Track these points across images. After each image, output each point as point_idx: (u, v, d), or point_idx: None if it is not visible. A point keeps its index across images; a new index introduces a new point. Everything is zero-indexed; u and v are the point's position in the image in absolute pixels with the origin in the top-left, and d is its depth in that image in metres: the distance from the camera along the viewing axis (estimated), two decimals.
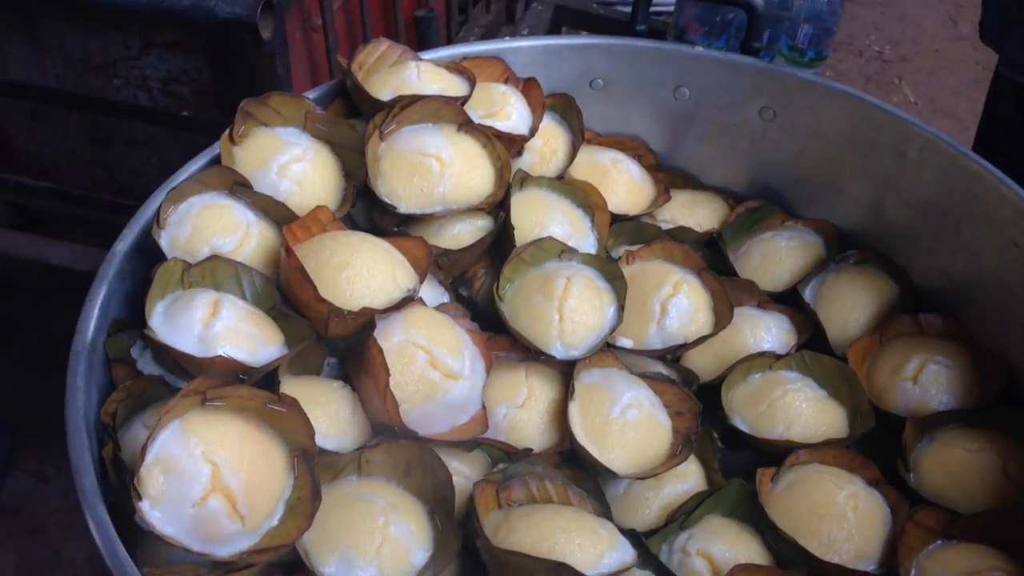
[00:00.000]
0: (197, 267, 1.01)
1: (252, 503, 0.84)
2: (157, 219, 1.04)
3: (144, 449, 0.83)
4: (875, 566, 1.01)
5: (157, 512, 0.83)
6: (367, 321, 1.01)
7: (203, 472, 0.83)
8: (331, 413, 0.98)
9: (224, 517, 0.82)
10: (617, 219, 1.32)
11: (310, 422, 0.91)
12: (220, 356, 0.91)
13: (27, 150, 1.90)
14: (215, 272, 1.03)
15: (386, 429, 1.00)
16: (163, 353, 0.95)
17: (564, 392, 1.08)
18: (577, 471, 1.05)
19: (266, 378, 0.98)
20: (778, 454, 1.07)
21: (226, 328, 0.95)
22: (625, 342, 1.16)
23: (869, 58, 3.58)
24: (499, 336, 1.12)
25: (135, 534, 0.86)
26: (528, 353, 1.09)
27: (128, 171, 1.84)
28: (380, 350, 0.97)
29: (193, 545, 0.83)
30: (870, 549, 1.02)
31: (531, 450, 1.04)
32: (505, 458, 1.04)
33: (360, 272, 1.03)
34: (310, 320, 1.03)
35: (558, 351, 1.09)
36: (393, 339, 1.01)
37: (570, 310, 1.10)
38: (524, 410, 1.06)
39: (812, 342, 1.22)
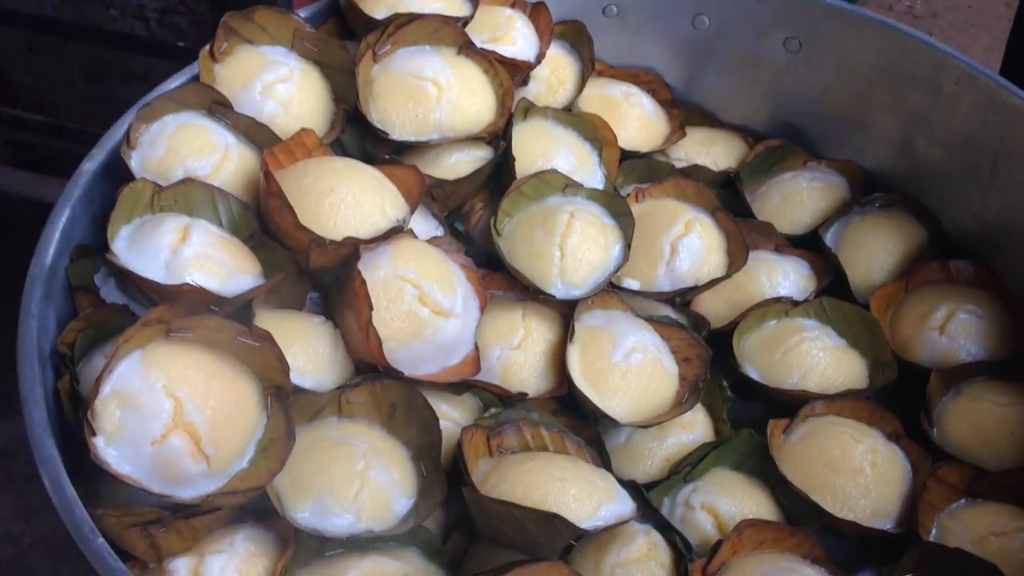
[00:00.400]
0: (169, 190, 0.95)
1: (218, 442, 0.79)
2: (127, 138, 0.97)
3: (99, 381, 0.77)
4: (892, 524, 0.95)
5: (113, 449, 0.77)
6: (351, 252, 0.94)
7: (164, 407, 0.77)
8: (309, 349, 0.92)
9: (187, 456, 0.77)
10: (627, 156, 1.25)
11: (284, 358, 0.85)
12: (188, 284, 0.85)
13: (24, 84, 1.86)
14: (189, 196, 0.96)
15: (369, 369, 0.94)
16: (127, 280, 0.89)
17: (563, 334, 1.00)
18: (575, 419, 0.99)
19: (240, 312, 0.91)
20: (792, 405, 1.02)
21: (196, 254, 0.88)
22: (631, 283, 1.11)
23: (900, 12, 3.46)
24: (495, 274, 1.06)
25: (94, 474, 0.80)
26: (526, 292, 1.03)
27: (125, 106, 1.79)
28: (363, 283, 0.90)
29: (152, 486, 0.78)
30: (888, 506, 0.96)
31: (526, 395, 0.98)
32: (498, 403, 0.98)
33: (345, 199, 0.96)
34: (290, 250, 0.96)
35: (558, 290, 1.03)
36: (379, 272, 0.94)
37: (572, 247, 1.03)
38: (520, 352, 1.00)
39: (832, 289, 1.16)
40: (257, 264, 0.95)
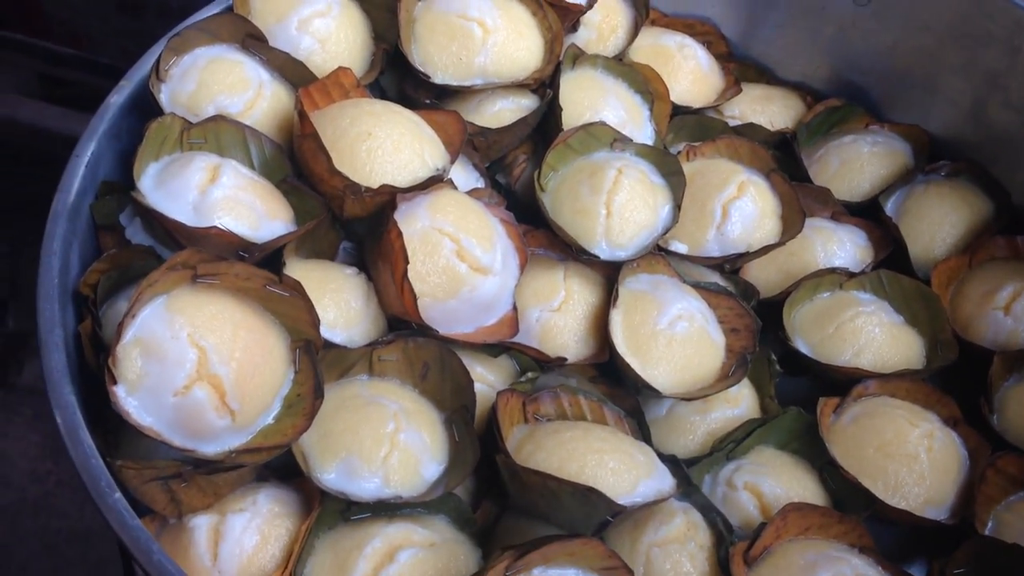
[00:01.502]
0: (199, 127, 0.91)
1: (244, 396, 0.77)
2: (156, 70, 0.94)
3: (121, 327, 0.75)
4: (947, 515, 0.92)
5: (134, 399, 0.75)
6: (387, 201, 0.91)
7: (189, 357, 0.75)
8: (341, 302, 0.89)
9: (211, 410, 0.75)
10: (679, 111, 1.21)
11: (315, 310, 0.82)
12: (216, 228, 0.82)
13: (58, 16, 1.83)
14: (219, 135, 0.93)
15: (403, 325, 0.92)
16: (153, 221, 0.86)
17: (606, 298, 0.98)
18: (615, 387, 0.96)
19: (270, 259, 0.89)
20: (844, 383, 0.99)
21: (225, 196, 0.85)
22: (679, 247, 1.07)
23: None
24: (537, 230, 1.02)
25: (115, 424, 0.78)
26: (569, 251, 1.00)
27: None
28: (400, 234, 0.87)
29: (174, 439, 0.75)
30: (942, 495, 0.93)
31: (565, 360, 0.95)
32: (535, 367, 0.95)
33: (383, 145, 0.92)
34: (324, 196, 0.93)
35: (603, 251, 0.99)
36: (416, 224, 0.91)
37: (619, 205, 1.00)
38: (560, 314, 0.97)
39: (891, 261, 1.12)
40: (289, 209, 0.92)
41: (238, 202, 0.86)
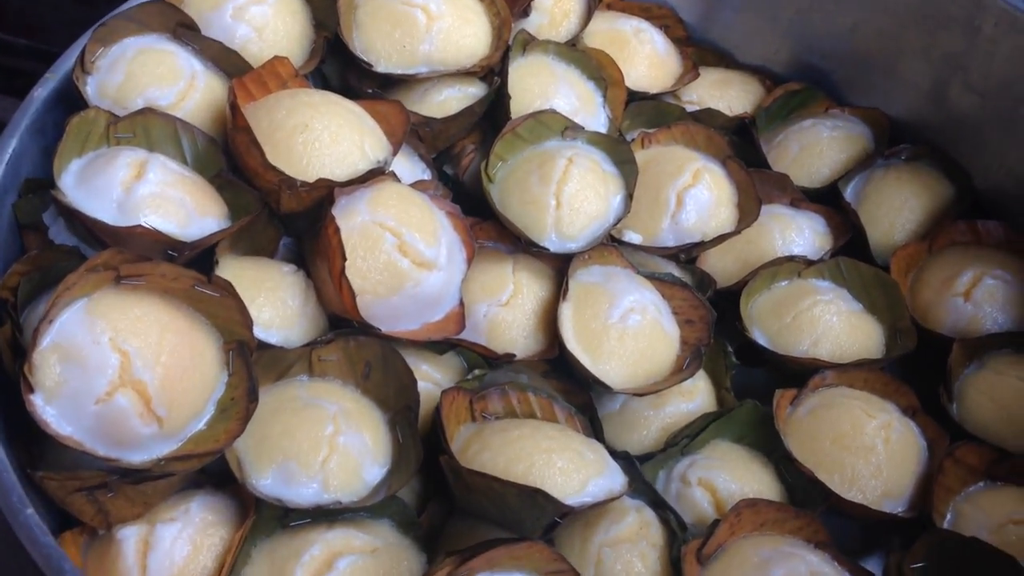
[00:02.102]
0: (126, 121, 0.88)
1: (172, 402, 0.74)
2: (82, 62, 0.91)
3: (37, 332, 0.72)
4: (904, 507, 0.91)
5: (52, 408, 0.72)
6: (325, 195, 0.88)
7: (110, 363, 0.72)
8: (277, 301, 0.86)
9: (135, 417, 0.72)
10: (635, 97, 1.19)
11: (247, 310, 0.79)
12: (142, 226, 0.79)
13: (11, 5, 1.79)
14: (149, 128, 0.90)
15: (344, 324, 0.89)
16: (76, 221, 0.83)
17: (556, 291, 0.96)
18: (567, 383, 0.94)
19: (202, 259, 0.86)
20: (801, 374, 0.97)
21: (152, 193, 0.82)
22: (633, 237, 1.05)
23: None
24: (485, 223, 1.00)
25: (38, 435, 0.75)
26: (518, 244, 0.98)
27: None
28: (337, 230, 0.85)
29: (98, 448, 0.73)
30: (900, 488, 0.91)
31: (514, 356, 0.93)
32: (483, 364, 0.93)
33: (320, 137, 0.90)
34: (260, 191, 0.90)
35: (552, 243, 0.97)
36: (355, 218, 0.88)
37: (569, 196, 0.98)
38: (508, 309, 0.95)
39: (850, 248, 1.11)
40: (222, 206, 0.89)
41: (166, 199, 0.83)
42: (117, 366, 0.73)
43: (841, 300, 1.04)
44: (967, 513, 0.89)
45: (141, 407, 0.73)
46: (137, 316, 0.75)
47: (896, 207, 1.13)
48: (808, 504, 0.89)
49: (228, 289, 0.79)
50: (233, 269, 0.86)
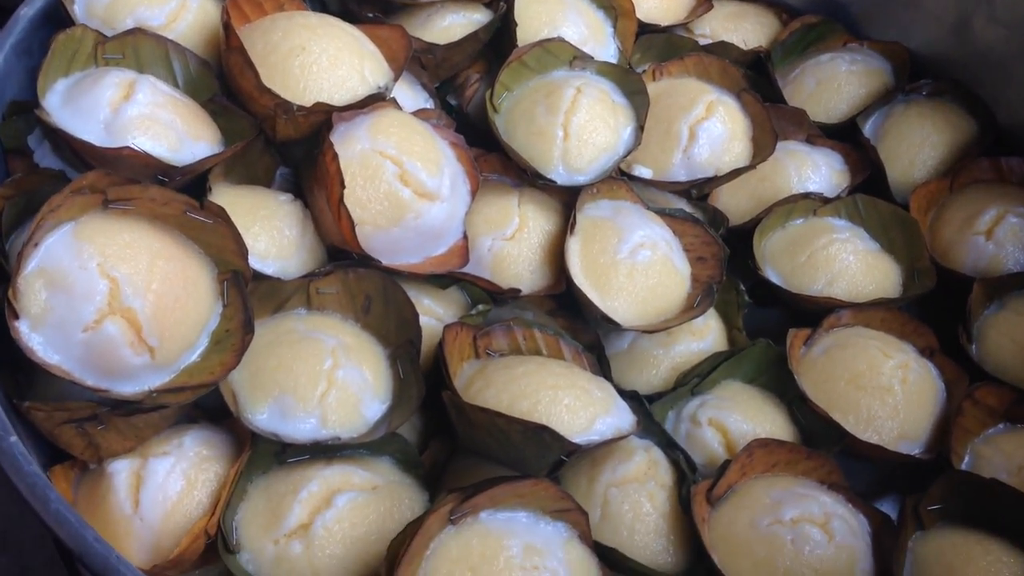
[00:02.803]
0: (115, 41, 0.85)
1: (163, 331, 0.73)
2: None
3: (22, 256, 0.69)
4: (921, 449, 0.89)
5: (39, 335, 0.70)
6: (323, 121, 0.86)
7: (98, 289, 0.70)
8: (273, 230, 0.84)
9: (125, 346, 0.71)
10: (646, 29, 1.15)
11: (241, 238, 0.77)
12: (129, 148, 0.77)
13: None
14: (138, 50, 0.87)
15: (343, 256, 0.87)
16: (62, 143, 0.80)
17: (563, 225, 0.94)
18: (574, 321, 0.92)
19: (194, 186, 0.83)
20: (816, 314, 0.96)
21: (141, 115, 0.79)
22: (643, 171, 1.02)
23: None
24: (490, 155, 0.98)
25: (25, 364, 0.72)
26: (523, 176, 0.95)
27: None
28: (335, 156, 0.82)
29: (86, 378, 0.71)
30: (917, 429, 0.90)
31: (519, 291, 0.91)
32: (487, 299, 0.91)
33: (318, 60, 0.87)
34: (255, 117, 0.87)
35: (560, 175, 0.95)
36: (355, 146, 0.86)
37: (577, 127, 0.95)
38: (514, 243, 0.93)
39: (868, 185, 1.09)
40: (215, 131, 0.86)
41: (155, 121, 0.80)
42: (106, 292, 0.71)
43: (858, 239, 1.02)
44: (986, 455, 0.87)
45: (131, 336, 0.71)
46: (126, 241, 0.73)
47: (916, 144, 1.10)
48: (822, 445, 0.87)
49: (221, 215, 0.76)
50: (227, 197, 0.83)
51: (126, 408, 0.72)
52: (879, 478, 0.91)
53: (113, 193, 0.73)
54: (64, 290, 0.70)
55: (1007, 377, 0.92)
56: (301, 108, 0.84)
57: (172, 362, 0.75)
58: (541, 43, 1.01)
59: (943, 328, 0.96)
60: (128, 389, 0.72)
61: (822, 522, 0.78)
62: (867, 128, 1.12)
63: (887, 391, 0.89)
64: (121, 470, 0.74)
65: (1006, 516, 0.79)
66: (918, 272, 1.01)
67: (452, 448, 0.85)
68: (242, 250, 0.77)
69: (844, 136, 1.12)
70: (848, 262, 0.99)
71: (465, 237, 0.90)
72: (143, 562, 0.72)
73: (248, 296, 0.78)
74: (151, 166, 0.78)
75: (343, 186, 0.81)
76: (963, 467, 0.87)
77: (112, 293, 0.71)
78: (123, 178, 0.73)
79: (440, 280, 0.90)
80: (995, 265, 1.00)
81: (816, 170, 1.07)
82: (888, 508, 0.84)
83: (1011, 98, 1.11)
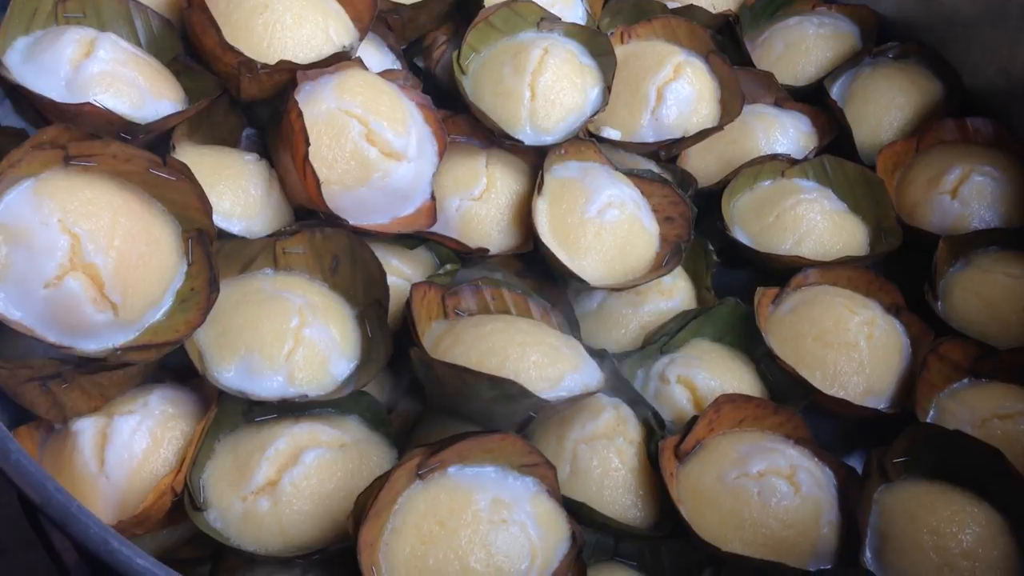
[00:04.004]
0: (75, 0, 0.83)
1: (127, 288, 0.72)
2: None
3: None
4: (887, 404, 0.90)
5: None
6: (288, 80, 0.85)
7: (59, 245, 0.69)
8: (238, 189, 0.84)
9: (87, 303, 0.70)
10: None
11: (205, 195, 0.76)
12: (91, 104, 0.76)
13: None
14: (99, 8, 0.86)
15: (311, 216, 0.86)
16: (23, 100, 0.79)
17: (531, 185, 0.94)
18: (543, 280, 0.93)
19: (158, 145, 0.83)
20: (784, 273, 0.97)
21: (103, 71, 0.79)
22: (611, 133, 1.02)
23: None
24: (457, 116, 0.97)
25: None
26: (491, 136, 0.95)
27: None
28: (300, 114, 0.82)
29: (48, 335, 0.70)
30: (883, 384, 0.91)
31: (487, 251, 0.91)
32: (455, 259, 0.92)
33: (282, 18, 0.86)
34: (218, 76, 0.86)
35: (527, 135, 0.95)
36: (320, 105, 0.85)
37: (544, 87, 0.95)
38: (482, 203, 0.93)
39: (836, 147, 1.10)
40: (179, 90, 0.86)
41: (117, 78, 0.79)
42: (67, 248, 0.70)
43: (825, 199, 1.02)
44: (951, 409, 0.88)
45: (94, 292, 0.71)
46: (88, 198, 0.72)
47: (883, 106, 1.11)
48: (789, 401, 0.88)
49: (184, 172, 0.75)
50: (191, 156, 0.82)
51: (90, 366, 0.72)
52: (845, 433, 0.92)
53: (74, 149, 0.72)
54: (25, 246, 0.69)
55: (972, 332, 0.93)
56: (265, 67, 0.83)
57: (136, 320, 0.74)
58: (508, 4, 1.00)
59: (909, 286, 0.97)
60: (92, 346, 0.71)
61: (788, 474, 0.79)
62: (834, 91, 1.13)
63: (853, 347, 0.89)
64: (86, 429, 0.74)
65: (969, 467, 0.80)
66: (885, 231, 1.01)
67: (422, 407, 0.85)
68: (206, 208, 0.76)
69: (812, 99, 1.13)
70: (815, 222, 0.99)
71: (433, 197, 0.89)
72: (109, 519, 0.72)
73: (213, 254, 0.77)
74: (113, 123, 0.77)
75: (308, 144, 0.80)
76: (928, 420, 0.88)
77: (73, 249, 0.70)
78: (84, 133, 0.72)
79: (408, 240, 0.90)
80: (961, 223, 1.01)
81: (784, 132, 1.08)
82: (854, 462, 0.85)
83: (976, 60, 1.12)
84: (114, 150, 0.74)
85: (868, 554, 0.78)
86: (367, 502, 0.68)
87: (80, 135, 0.72)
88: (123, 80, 0.80)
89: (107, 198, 0.73)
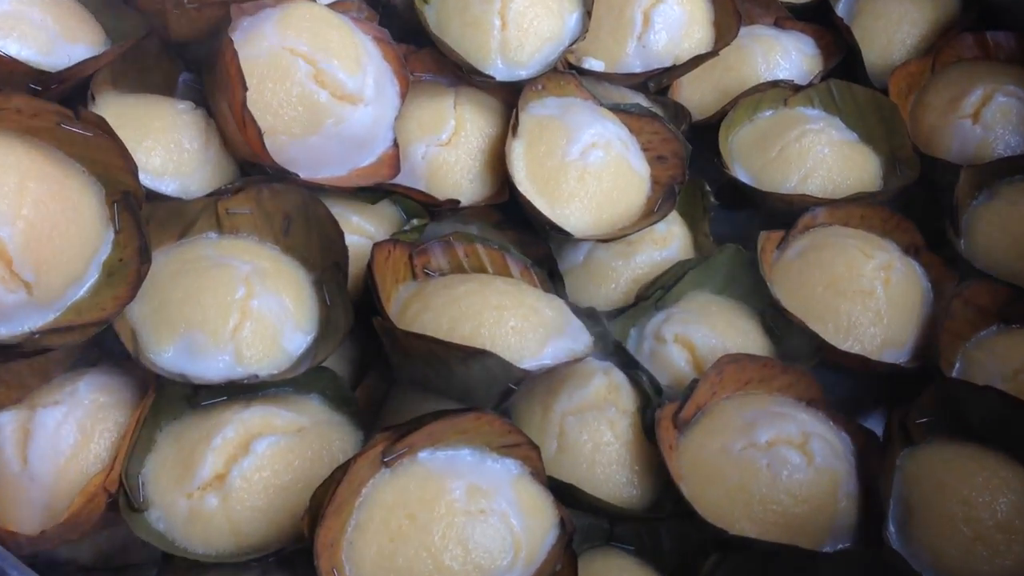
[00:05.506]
0: None
1: (40, 264, 0.65)
2: None
3: None
4: (907, 357, 0.85)
5: None
6: (221, 16, 0.79)
7: None
8: (170, 143, 0.78)
9: None
10: None
11: (129, 153, 0.70)
12: None
13: None
14: None
15: (257, 171, 0.80)
16: None
17: (504, 126, 0.89)
18: (523, 233, 0.88)
19: (75, 96, 0.76)
20: (789, 214, 0.92)
21: (3, 12, 0.73)
22: (594, 64, 0.97)
23: None
24: (420, 51, 0.92)
25: None
26: (459, 74, 0.89)
27: None
28: (235, 55, 0.76)
29: None
30: (902, 335, 0.86)
31: (458, 202, 0.86)
32: (423, 213, 0.87)
33: None
34: (143, 13, 0.80)
35: (499, 70, 0.88)
36: (261, 43, 0.80)
37: (516, 13, 0.89)
38: (451, 149, 0.88)
39: (843, 70, 1.04)
40: (98, 30, 0.79)
41: (21, 19, 0.73)
42: None
43: (833, 129, 0.97)
44: (978, 359, 0.83)
45: (2, 270, 0.64)
46: None
47: (894, 21, 1.05)
48: (798, 358, 0.83)
49: (101, 126, 0.69)
50: (114, 107, 0.77)
51: (2, 354, 0.66)
52: (861, 391, 0.88)
53: None
54: None
55: (999, 273, 0.88)
56: (194, 0, 0.75)
57: (56, 299, 0.68)
58: None
59: (928, 223, 0.92)
60: (2, 331, 0.66)
61: (800, 443, 0.74)
62: (840, 7, 1.08)
63: (868, 295, 0.85)
64: (5, 424, 0.69)
65: (1001, 426, 0.75)
66: (899, 162, 0.96)
67: (390, 382, 0.79)
68: (131, 166, 0.70)
69: (815, 17, 1.08)
70: (823, 155, 0.94)
71: (395, 144, 0.84)
72: (35, 526, 0.67)
73: (143, 220, 0.71)
74: (18, 72, 0.70)
75: (245, 88, 0.75)
76: (954, 375, 0.83)
77: None
78: None
79: (369, 194, 0.85)
80: (983, 150, 0.95)
81: (786, 55, 1.03)
82: (872, 424, 0.81)
83: None
84: (17, 103, 0.67)
85: (891, 528, 0.72)
86: (324, 497, 0.62)
87: None
88: (28, 21, 0.73)
89: (11, 159, 0.66)
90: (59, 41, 0.74)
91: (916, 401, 0.77)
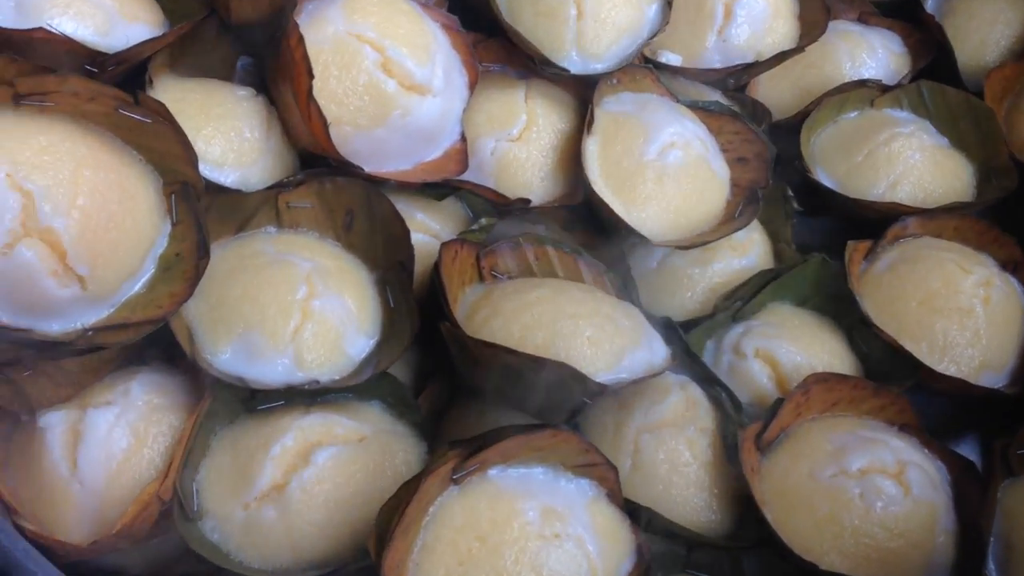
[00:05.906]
0: None
1: (95, 257, 0.64)
2: None
3: None
4: (1006, 381, 0.84)
5: None
6: None
7: (9, 205, 0.60)
8: (230, 132, 0.76)
9: (47, 275, 0.62)
10: None
11: (189, 141, 0.68)
12: (44, 29, 0.67)
13: None
14: None
15: (319, 162, 0.79)
16: None
17: (579, 123, 0.88)
18: (594, 235, 0.88)
19: (133, 79, 0.74)
20: (877, 222, 0.90)
21: None
22: (672, 58, 0.97)
23: None
24: (491, 40, 0.91)
25: None
26: (531, 65, 0.88)
27: None
28: (301, 40, 0.74)
29: (0, 315, 0.62)
30: (1002, 357, 0.83)
31: (529, 201, 0.85)
32: (491, 212, 0.86)
33: None
34: None
35: (573, 62, 0.88)
36: (326, 28, 0.79)
37: (594, 3, 0.87)
38: (521, 145, 0.87)
39: (933, 70, 1.03)
40: (156, 10, 0.79)
41: None
42: (18, 210, 0.61)
43: (924, 133, 0.96)
44: None
45: (54, 262, 0.62)
46: (43, 146, 0.63)
47: (989, 19, 1.04)
48: (890, 379, 0.81)
49: (161, 112, 0.67)
50: (173, 92, 0.76)
51: (56, 351, 0.64)
52: (957, 416, 0.86)
53: (23, 85, 0.63)
54: None
55: None
56: None
57: (110, 294, 0.66)
58: None
59: None
60: (55, 327, 0.64)
61: (895, 472, 0.72)
62: (930, 3, 1.06)
63: (967, 313, 0.83)
64: (55, 424, 0.68)
65: None
66: (995, 171, 0.95)
67: (453, 390, 0.79)
68: (191, 156, 0.68)
69: (904, 13, 1.07)
70: (914, 160, 0.93)
71: (463, 138, 0.84)
72: (84, 534, 0.66)
73: (202, 212, 0.69)
74: (74, 53, 0.69)
75: (311, 77, 0.74)
76: None
77: (26, 210, 0.61)
78: (35, 65, 0.63)
79: (435, 190, 0.84)
80: None
81: (872, 53, 1.02)
82: (968, 452, 0.80)
83: None
84: (73, 86, 0.65)
85: (991, 566, 0.70)
86: (392, 517, 0.60)
87: (30, 68, 0.63)
88: (86, 1, 0.71)
89: (67, 145, 0.64)
90: (117, 20, 0.73)
91: (1020, 432, 0.74)
